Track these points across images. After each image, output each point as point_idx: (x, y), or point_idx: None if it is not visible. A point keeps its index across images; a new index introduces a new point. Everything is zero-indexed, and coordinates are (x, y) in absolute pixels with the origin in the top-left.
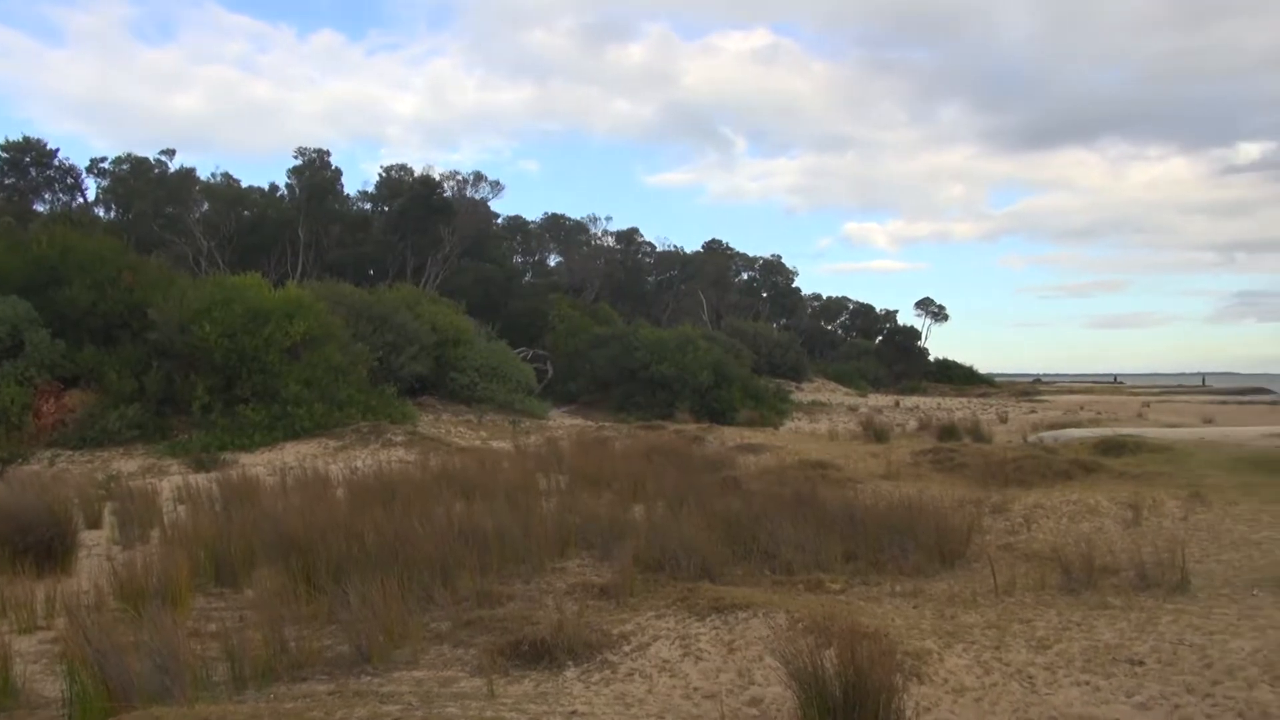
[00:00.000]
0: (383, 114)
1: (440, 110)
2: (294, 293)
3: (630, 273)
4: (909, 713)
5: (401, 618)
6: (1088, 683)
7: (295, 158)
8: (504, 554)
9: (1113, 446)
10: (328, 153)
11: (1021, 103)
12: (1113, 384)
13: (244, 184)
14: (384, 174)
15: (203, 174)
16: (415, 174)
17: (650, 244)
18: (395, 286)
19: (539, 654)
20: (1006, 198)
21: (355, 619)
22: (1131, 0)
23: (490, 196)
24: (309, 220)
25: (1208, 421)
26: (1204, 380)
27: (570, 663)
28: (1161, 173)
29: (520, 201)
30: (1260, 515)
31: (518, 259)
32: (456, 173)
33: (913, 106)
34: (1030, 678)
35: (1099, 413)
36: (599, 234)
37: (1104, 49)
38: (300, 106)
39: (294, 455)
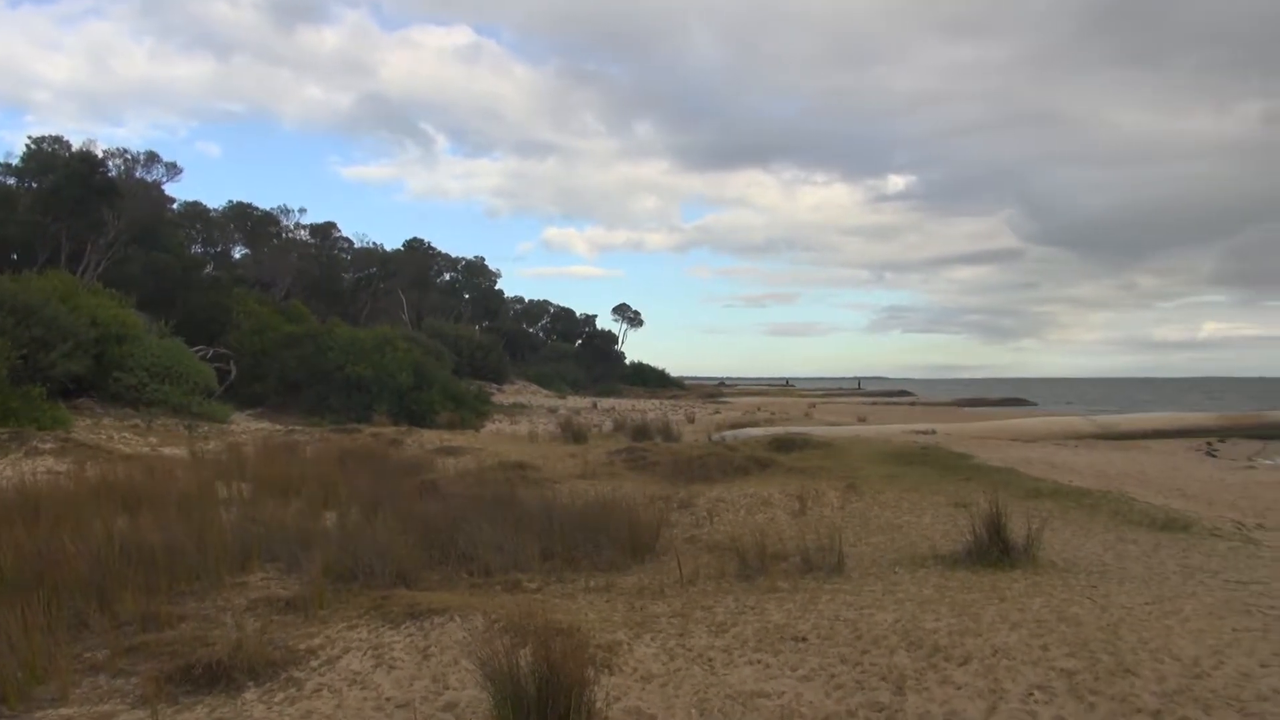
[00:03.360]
0: (28, 76)
1: (101, 79)
2: None
3: (326, 269)
4: (599, 703)
5: (46, 649)
6: (760, 661)
7: None
8: (175, 571)
9: (784, 444)
10: None
11: (708, 124)
12: (785, 387)
13: None
14: (32, 145)
15: None
16: (73, 148)
17: (348, 240)
18: (46, 274)
19: (215, 677)
20: (695, 212)
21: None
22: (801, 39)
23: (165, 179)
24: None
25: (862, 420)
26: (859, 384)
27: (250, 683)
28: (826, 197)
29: (200, 187)
30: (901, 502)
31: (197, 249)
32: (125, 150)
33: (610, 119)
34: (710, 660)
35: (773, 413)
36: (291, 227)
37: (779, 81)
38: None
39: None
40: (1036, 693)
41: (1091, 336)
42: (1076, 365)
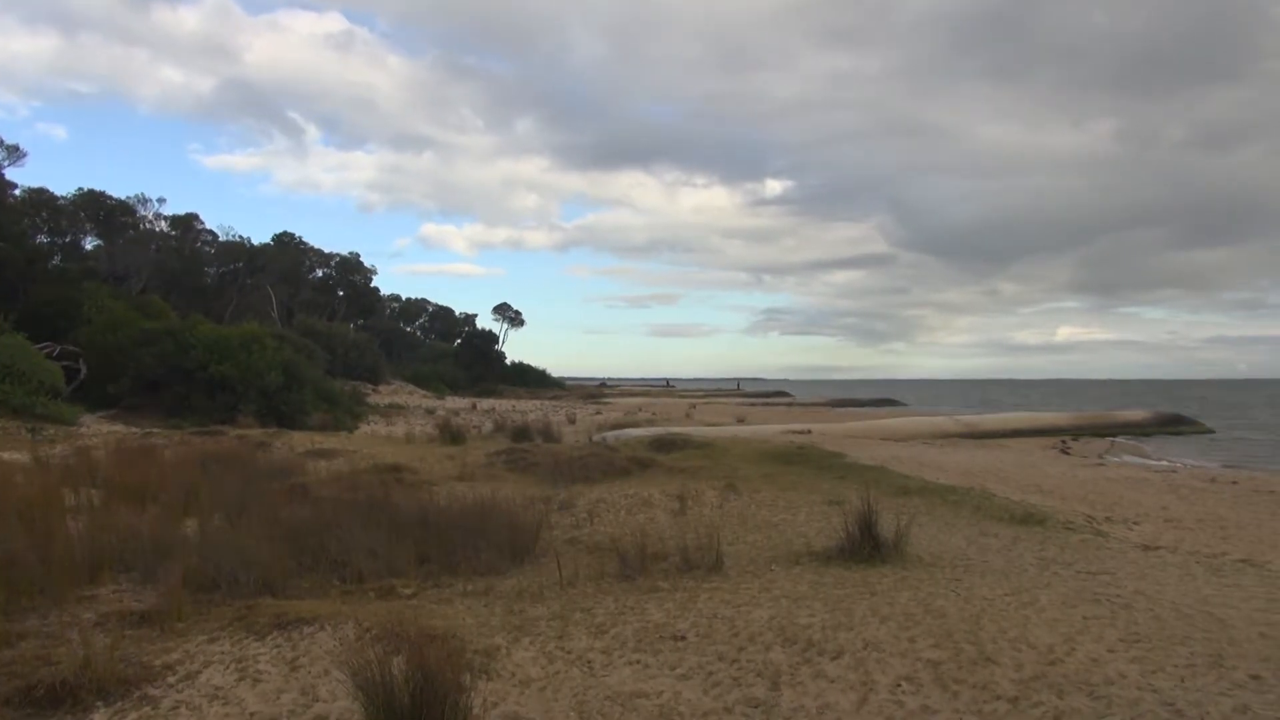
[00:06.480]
0: None
1: None
2: None
3: (187, 263)
4: (476, 710)
5: None
6: (639, 661)
7: None
8: (16, 585)
9: (665, 444)
10: None
11: (590, 123)
12: (666, 388)
13: None
14: None
15: None
16: None
17: (212, 232)
18: None
19: (59, 698)
20: (576, 211)
21: None
22: (683, 43)
23: (6, 163)
24: None
25: (741, 421)
26: (739, 385)
27: (100, 703)
28: (706, 199)
29: (45, 172)
30: (778, 501)
31: (42, 239)
32: None
33: (490, 114)
34: (589, 662)
35: (654, 414)
36: (149, 217)
37: (660, 83)
38: None
39: None
40: (904, 683)
41: (957, 340)
42: (942, 367)
